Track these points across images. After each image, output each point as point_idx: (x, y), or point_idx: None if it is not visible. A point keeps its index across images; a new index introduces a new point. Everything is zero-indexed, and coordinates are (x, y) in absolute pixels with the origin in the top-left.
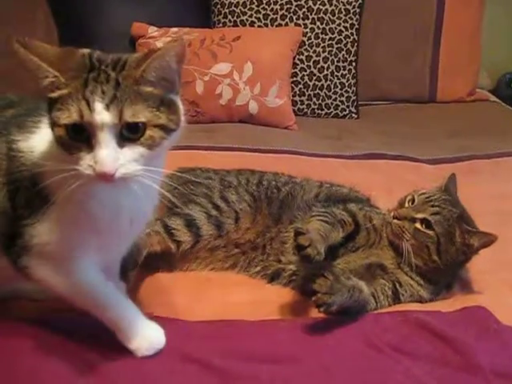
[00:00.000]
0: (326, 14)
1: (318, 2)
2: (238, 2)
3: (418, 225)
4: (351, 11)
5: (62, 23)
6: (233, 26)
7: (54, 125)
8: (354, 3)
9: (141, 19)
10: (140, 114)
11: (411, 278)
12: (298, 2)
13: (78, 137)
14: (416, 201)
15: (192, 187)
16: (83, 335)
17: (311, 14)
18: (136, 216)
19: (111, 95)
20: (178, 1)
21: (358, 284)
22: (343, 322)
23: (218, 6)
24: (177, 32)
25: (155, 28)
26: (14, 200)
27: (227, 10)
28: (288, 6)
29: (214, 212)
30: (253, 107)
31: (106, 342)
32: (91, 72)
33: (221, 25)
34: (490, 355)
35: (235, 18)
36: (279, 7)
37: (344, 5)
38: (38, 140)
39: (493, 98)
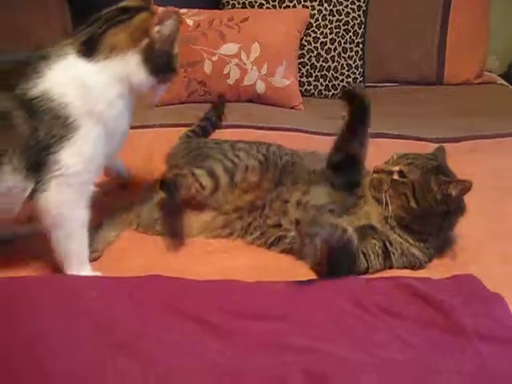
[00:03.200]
0: (329, 5)
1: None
2: None
3: (395, 176)
4: (356, 5)
5: (75, 5)
6: (241, 7)
7: None
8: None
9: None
10: None
11: (400, 235)
12: (304, 2)
13: None
14: (394, 158)
15: (206, 149)
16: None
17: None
18: None
19: None
20: None
21: (341, 224)
22: (335, 283)
23: None
24: (186, 13)
25: (163, 9)
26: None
27: None
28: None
29: (229, 164)
30: (260, 87)
31: (108, 299)
32: None
33: (230, 6)
34: (474, 319)
35: None
36: None
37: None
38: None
39: (500, 80)
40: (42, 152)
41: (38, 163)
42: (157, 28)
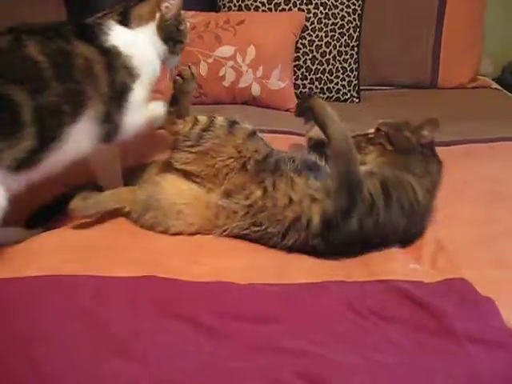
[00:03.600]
0: (328, 0)
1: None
2: None
3: (370, 135)
4: (352, 8)
5: (72, 5)
6: (237, 10)
7: None
8: (354, 1)
9: None
10: None
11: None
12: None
13: None
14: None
15: None
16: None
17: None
18: None
19: None
20: None
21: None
22: (328, 286)
23: None
24: None
25: None
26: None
27: None
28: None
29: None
30: (255, 89)
31: (103, 299)
32: None
33: (226, 9)
34: (465, 322)
35: (240, 2)
36: None
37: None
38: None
39: (494, 85)
40: (116, 100)
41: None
42: (165, 4)
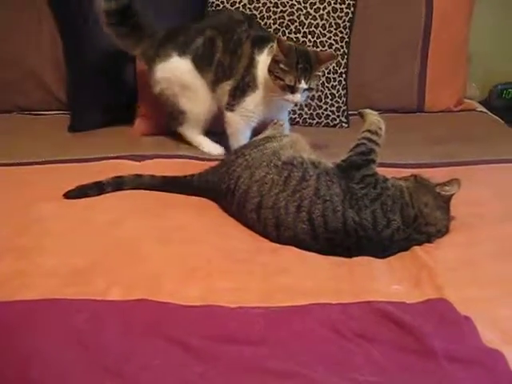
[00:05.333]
0: (317, 28)
1: (310, 17)
2: (234, 2)
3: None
4: (341, 25)
5: (67, 35)
6: None
7: None
8: (344, 18)
9: None
10: None
11: None
12: (291, 17)
13: None
14: None
15: None
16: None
17: (303, 28)
18: None
19: None
20: (176, 14)
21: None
22: (312, 309)
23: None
24: None
25: None
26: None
27: None
28: (281, 20)
29: None
30: None
31: (96, 323)
32: None
33: None
34: (445, 342)
35: None
36: (272, 21)
37: (335, 19)
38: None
39: (480, 107)
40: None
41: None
42: None
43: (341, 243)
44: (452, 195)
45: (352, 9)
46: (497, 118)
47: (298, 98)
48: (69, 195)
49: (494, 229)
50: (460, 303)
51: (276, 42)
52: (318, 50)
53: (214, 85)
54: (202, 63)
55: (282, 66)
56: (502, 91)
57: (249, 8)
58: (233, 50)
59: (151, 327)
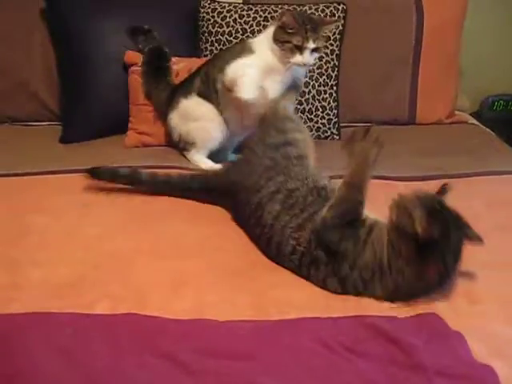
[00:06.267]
0: None
1: None
2: (224, 31)
3: None
4: (332, 38)
5: (59, 46)
6: None
7: None
8: (334, 30)
9: (134, 47)
10: None
11: None
12: None
13: None
14: None
15: None
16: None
17: None
18: None
19: None
20: (169, 30)
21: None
22: (302, 323)
23: (206, 35)
24: None
25: None
26: None
27: (214, 39)
28: None
29: None
30: None
31: (83, 337)
32: None
33: (208, 52)
34: (435, 357)
35: (222, 45)
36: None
37: (325, 32)
38: None
39: (471, 120)
40: None
41: None
42: None
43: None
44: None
45: (342, 21)
46: (488, 130)
47: (307, 58)
48: (90, 172)
49: (486, 241)
50: (451, 318)
51: (285, 11)
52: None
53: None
54: (206, 93)
55: (289, 30)
56: (494, 103)
57: (239, 22)
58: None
59: (139, 341)
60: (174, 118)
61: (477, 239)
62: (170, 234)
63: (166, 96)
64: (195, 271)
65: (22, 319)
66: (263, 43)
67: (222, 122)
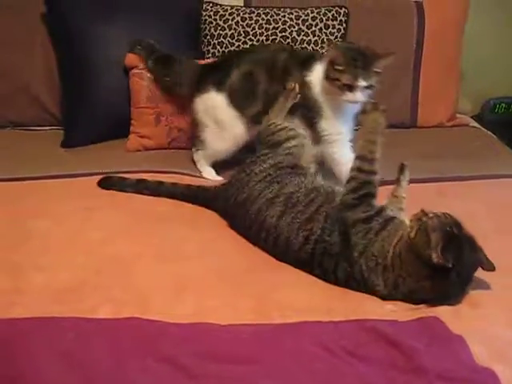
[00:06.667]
0: (309, 45)
1: (302, 34)
2: (226, 34)
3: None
4: (333, 42)
5: (61, 50)
6: (221, 55)
7: None
8: (336, 34)
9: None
10: None
11: None
12: (283, 34)
13: None
14: None
15: None
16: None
17: (296, 44)
18: None
19: None
20: (170, 32)
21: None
22: (304, 327)
23: (208, 37)
24: None
25: None
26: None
27: (216, 41)
28: (273, 37)
29: None
30: None
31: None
32: None
33: (210, 55)
34: (436, 360)
35: (223, 48)
36: (265, 38)
37: (327, 35)
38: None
39: (473, 123)
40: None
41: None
42: None
43: (334, 282)
44: (448, 268)
45: (344, 25)
46: (489, 132)
47: (359, 96)
48: (101, 184)
49: (487, 244)
50: (452, 321)
51: (330, 45)
52: None
53: (259, 117)
54: (240, 98)
55: (338, 67)
56: (495, 106)
57: (241, 25)
58: (280, 78)
59: (141, 345)
60: (199, 104)
61: (490, 266)
62: (172, 238)
63: (194, 75)
64: (197, 275)
65: (24, 324)
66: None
67: (244, 134)
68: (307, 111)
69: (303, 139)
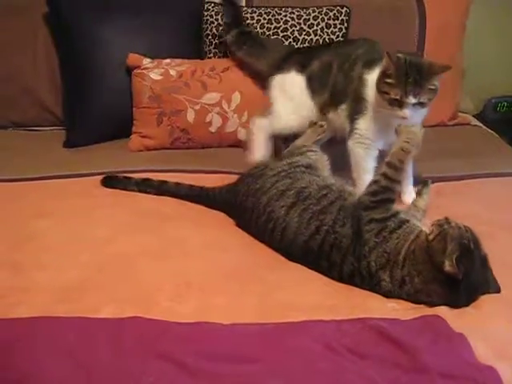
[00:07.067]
0: (311, 44)
1: (304, 33)
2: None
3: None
4: (335, 41)
5: (63, 51)
6: (223, 55)
7: None
8: (337, 33)
9: (136, 50)
10: None
11: None
12: (285, 33)
13: None
14: None
15: None
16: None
17: (297, 44)
18: None
19: None
20: (172, 32)
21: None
22: (306, 326)
23: (209, 37)
24: (169, 63)
25: (149, 60)
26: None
27: (218, 41)
28: (275, 36)
29: None
30: (241, 134)
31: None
32: None
33: (212, 55)
34: (438, 358)
35: (225, 48)
36: (266, 37)
37: (328, 35)
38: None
39: (474, 121)
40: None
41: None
42: None
43: (338, 276)
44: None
45: (345, 24)
46: (491, 131)
47: (407, 113)
48: (104, 183)
49: (487, 243)
50: (454, 320)
51: (385, 54)
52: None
53: (326, 107)
54: (316, 85)
55: (388, 79)
56: (497, 104)
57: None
58: (346, 71)
59: (144, 345)
60: (278, 80)
61: (496, 289)
62: (175, 236)
63: (279, 54)
64: (200, 274)
65: (27, 323)
66: None
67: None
68: (355, 104)
69: (323, 156)
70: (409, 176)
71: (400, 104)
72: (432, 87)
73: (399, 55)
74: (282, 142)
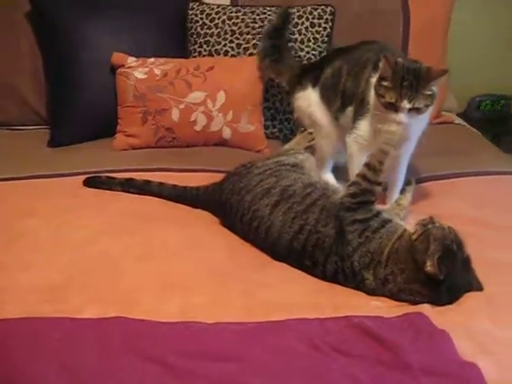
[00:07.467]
0: (295, 43)
1: (288, 32)
2: (212, 33)
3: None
4: (320, 40)
5: (46, 49)
6: (208, 54)
7: None
8: (322, 32)
9: (121, 49)
10: None
11: None
12: None
13: None
14: None
15: None
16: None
17: None
18: None
19: None
20: (157, 31)
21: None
22: (289, 324)
23: (194, 36)
24: (153, 62)
25: (134, 58)
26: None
27: (202, 40)
28: (260, 35)
29: None
30: (226, 133)
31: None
32: None
33: (196, 54)
34: (420, 355)
35: (210, 47)
36: (251, 37)
37: (313, 34)
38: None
39: (458, 120)
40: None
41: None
42: None
43: (322, 275)
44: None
45: (330, 23)
46: (475, 130)
47: (402, 118)
48: (87, 183)
49: (470, 241)
50: (436, 317)
51: (383, 58)
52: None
53: (338, 112)
54: (328, 93)
55: (384, 83)
56: (480, 103)
57: (228, 24)
58: (356, 75)
59: (128, 345)
60: (300, 100)
61: (479, 287)
62: (158, 236)
63: (295, 73)
64: (183, 273)
65: (11, 324)
66: None
67: (337, 134)
68: (359, 106)
69: (310, 157)
70: (398, 181)
71: (395, 108)
72: (429, 92)
73: (399, 60)
74: None
